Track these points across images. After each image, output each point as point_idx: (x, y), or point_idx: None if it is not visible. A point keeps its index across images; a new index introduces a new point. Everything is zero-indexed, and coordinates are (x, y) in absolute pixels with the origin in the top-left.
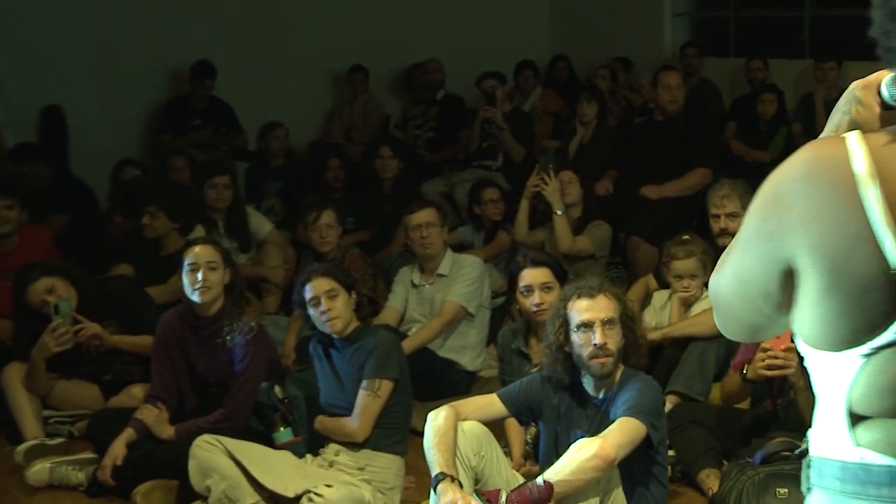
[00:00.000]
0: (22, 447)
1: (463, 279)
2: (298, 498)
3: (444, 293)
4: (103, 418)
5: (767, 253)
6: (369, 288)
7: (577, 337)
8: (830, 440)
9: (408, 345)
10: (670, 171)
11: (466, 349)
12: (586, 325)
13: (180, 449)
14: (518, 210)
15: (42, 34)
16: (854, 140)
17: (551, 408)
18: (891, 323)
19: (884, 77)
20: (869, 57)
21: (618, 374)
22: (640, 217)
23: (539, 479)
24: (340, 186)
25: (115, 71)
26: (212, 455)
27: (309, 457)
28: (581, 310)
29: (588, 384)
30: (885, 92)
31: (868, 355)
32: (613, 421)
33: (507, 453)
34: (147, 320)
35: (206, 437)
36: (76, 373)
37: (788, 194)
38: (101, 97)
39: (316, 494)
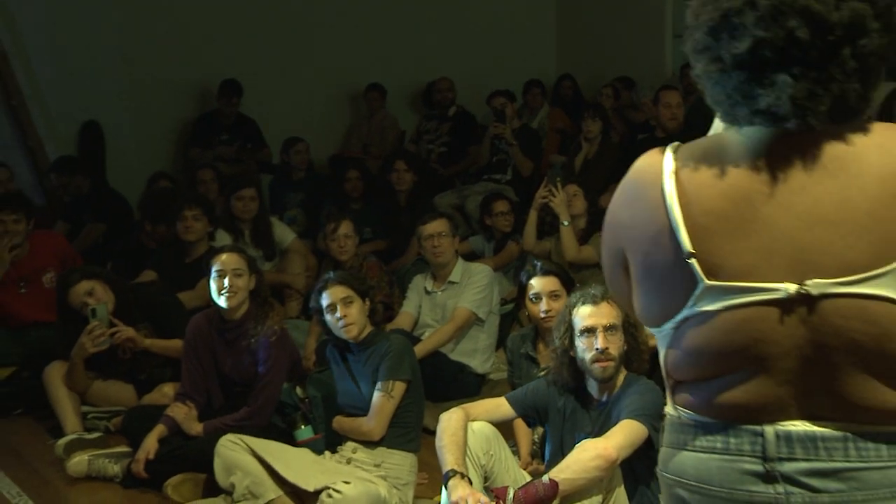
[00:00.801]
0: (62, 441)
1: (473, 286)
2: (318, 493)
3: (455, 299)
4: (137, 415)
5: (610, 249)
6: (385, 294)
7: (580, 342)
8: (668, 403)
9: (421, 348)
10: None
11: (477, 353)
12: (589, 331)
13: (208, 445)
14: (527, 221)
15: (80, 54)
16: (669, 153)
17: (557, 410)
18: (688, 300)
19: None
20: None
21: (620, 378)
22: None
23: (545, 478)
24: (359, 196)
25: (148, 89)
26: (235, 454)
27: (328, 454)
28: (585, 316)
29: (592, 388)
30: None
31: (675, 328)
32: (616, 423)
33: (516, 452)
34: (178, 324)
35: (230, 436)
36: (112, 372)
37: (618, 199)
38: (135, 114)
39: (335, 490)
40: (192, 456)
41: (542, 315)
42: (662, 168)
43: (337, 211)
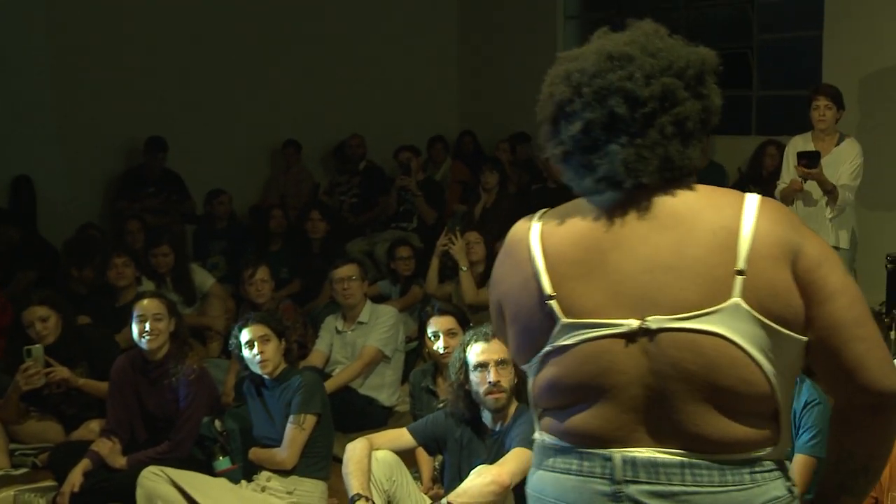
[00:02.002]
0: None
1: (380, 326)
2: None
3: (364, 338)
4: (63, 450)
5: (492, 301)
6: (300, 334)
7: (474, 376)
8: (535, 429)
9: (332, 383)
10: None
11: (384, 387)
12: (482, 366)
13: (131, 477)
14: (429, 266)
15: (10, 111)
16: (538, 215)
17: (454, 439)
18: (549, 337)
19: None
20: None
21: (512, 409)
22: None
23: (444, 501)
24: (280, 233)
25: (77, 144)
26: (157, 484)
27: (244, 483)
28: (478, 352)
29: (486, 418)
30: None
31: (539, 362)
32: (508, 450)
33: (418, 478)
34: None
35: (151, 468)
36: (43, 406)
37: (497, 260)
38: (64, 168)
39: None
40: (116, 488)
41: (441, 351)
42: (530, 230)
43: (254, 258)
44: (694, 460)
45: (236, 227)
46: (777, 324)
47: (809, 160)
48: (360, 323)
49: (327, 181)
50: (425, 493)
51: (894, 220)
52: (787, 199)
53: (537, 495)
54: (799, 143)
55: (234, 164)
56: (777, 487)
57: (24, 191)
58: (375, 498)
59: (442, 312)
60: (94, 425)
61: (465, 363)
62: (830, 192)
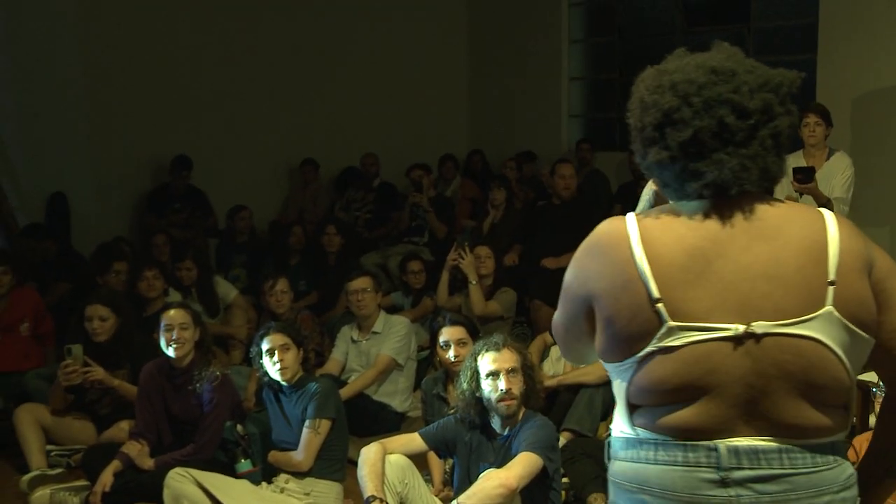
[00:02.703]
0: (27, 476)
1: (394, 336)
2: None
3: (378, 347)
4: (95, 452)
5: (577, 297)
6: (317, 343)
7: (486, 384)
8: (620, 425)
9: (348, 391)
10: (566, 246)
11: (397, 394)
12: (494, 374)
13: (158, 478)
14: (440, 279)
15: (48, 133)
16: (631, 217)
17: (464, 444)
18: (653, 338)
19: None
20: None
21: (520, 415)
22: (541, 284)
23: (454, 503)
24: (300, 249)
25: (108, 163)
26: (182, 485)
27: (264, 484)
28: (489, 361)
29: (495, 423)
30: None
31: (638, 362)
32: (516, 455)
33: (429, 481)
34: None
35: (177, 469)
36: (80, 406)
37: (586, 257)
38: (96, 185)
39: None
40: (145, 488)
41: (452, 360)
42: (628, 233)
43: (274, 270)
44: (789, 446)
45: (257, 241)
46: (860, 328)
47: (805, 175)
48: (375, 333)
49: (343, 198)
50: (436, 496)
51: (886, 235)
52: None
53: (639, 486)
54: (791, 161)
55: (254, 181)
56: (849, 466)
57: (58, 206)
58: (389, 499)
59: (453, 323)
60: (125, 425)
61: (476, 371)
62: (825, 205)
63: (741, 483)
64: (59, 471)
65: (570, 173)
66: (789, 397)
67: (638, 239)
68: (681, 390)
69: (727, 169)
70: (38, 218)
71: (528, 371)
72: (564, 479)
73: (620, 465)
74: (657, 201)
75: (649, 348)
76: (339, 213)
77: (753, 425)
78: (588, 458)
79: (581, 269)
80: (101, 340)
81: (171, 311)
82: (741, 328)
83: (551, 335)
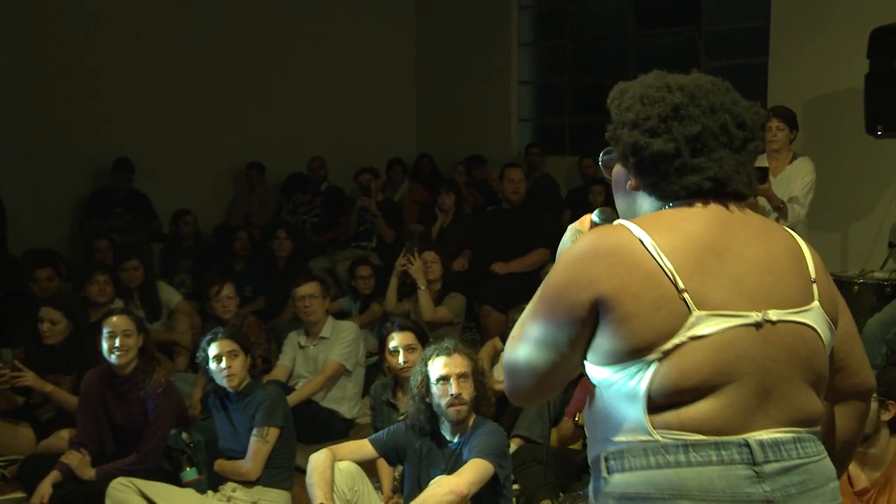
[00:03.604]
0: None
1: (342, 342)
2: None
3: (325, 353)
4: (32, 462)
5: (575, 304)
6: (263, 349)
7: (436, 389)
8: (631, 433)
9: (295, 397)
10: (515, 251)
11: (345, 400)
12: (444, 379)
13: (100, 488)
14: (389, 285)
15: None
16: (625, 221)
17: (414, 450)
18: (679, 328)
19: (588, 216)
20: None
21: (470, 421)
22: (490, 289)
23: None
24: (245, 255)
25: (46, 166)
26: (125, 495)
27: (210, 493)
28: (440, 366)
29: (445, 430)
30: (595, 218)
31: (663, 356)
32: (466, 461)
33: (379, 488)
34: None
35: (120, 479)
36: (18, 412)
37: (583, 263)
38: (33, 188)
39: None
40: (86, 499)
41: (400, 366)
42: (633, 233)
43: (220, 275)
44: (799, 435)
45: (202, 245)
46: (834, 325)
47: (758, 175)
48: (322, 338)
49: (290, 202)
50: (385, 503)
51: (837, 240)
52: None
53: (674, 492)
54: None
55: (199, 184)
56: None
57: None
58: None
59: (402, 328)
60: (65, 434)
61: (426, 376)
62: (780, 208)
63: (772, 477)
64: None
65: (519, 178)
66: (799, 382)
67: (647, 236)
68: (709, 380)
69: (729, 166)
70: None
71: (478, 377)
72: (515, 486)
73: (643, 475)
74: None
75: (678, 339)
76: (286, 217)
77: (770, 415)
78: (539, 464)
79: (578, 274)
80: (52, 343)
81: (114, 318)
82: (758, 316)
83: (501, 340)
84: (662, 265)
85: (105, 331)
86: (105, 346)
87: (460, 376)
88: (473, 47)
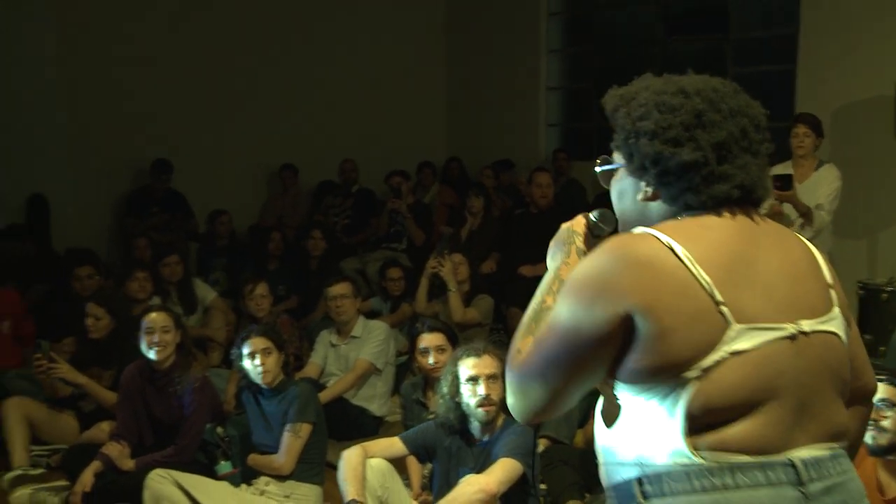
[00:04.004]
0: (8, 475)
1: (372, 341)
2: None
3: (356, 352)
4: (75, 452)
5: (602, 318)
6: (296, 347)
7: (466, 389)
8: (669, 455)
9: (326, 394)
10: (543, 254)
11: (375, 398)
12: (474, 380)
13: (139, 479)
14: (419, 286)
15: (29, 134)
16: (650, 229)
17: (444, 449)
18: (717, 343)
19: (583, 217)
20: None
21: (499, 421)
22: (517, 291)
23: None
24: (278, 255)
25: (88, 165)
26: (163, 486)
27: (244, 486)
28: (469, 367)
29: (475, 429)
30: (593, 217)
31: (702, 373)
32: (495, 460)
33: (408, 485)
34: None
35: (158, 470)
36: (64, 402)
37: (610, 273)
38: (77, 187)
39: None
40: (125, 489)
41: (430, 366)
42: (663, 241)
43: (254, 274)
44: (834, 451)
45: (236, 245)
46: (850, 330)
47: (783, 182)
48: (353, 337)
49: (322, 203)
50: (415, 500)
51: (864, 247)
52: None
53: None
54: (779, 170)
55: (234, 185)
56: None
57: (39, 208)
58: (369, 503)
59: (432, 329)
60: (105, 426)
61: (456, 377)
62: (805, 214)
63: (817, 497)
64: (39, 471)
65: (546, 182)
66: (831, 393)
67: (678, 245)
68: (752, 397)
69: (754, 172)
70: (18, 219)
71: None
72: (542, 486)
73: (687, 500)
74: (580, 243)
75: (717, 355)
76: (318, 219)
77: (807, 431)
78: (565, 464)
79: (608, 286)
80: (96, 338)
81: (153, 314)
82: (793, 328)
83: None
84: (698, 276)
85: (144, 327)
86: (144, 341)
87: (490, 377)
88: (503, 54)
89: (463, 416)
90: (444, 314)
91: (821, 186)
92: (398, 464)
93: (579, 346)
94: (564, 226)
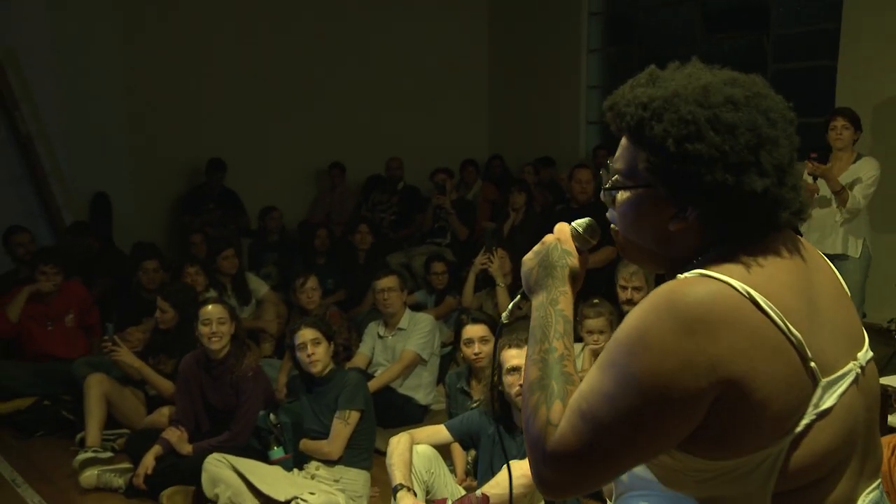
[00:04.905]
0: (80, 457)
1: (418, 332)
2: (288, 502)
3: (403, 343)
4: (138, 437)
5: (688, 393)
6: (344, 338)
7: (508, 379)
8: None
9: (374, 384)
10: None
11: (420, 387)
12: (516, 369)
13: (196, 462)
14: (466, 281)
15: (92, 137)
16: (719, 276)
17: (488, 436)
18: (807, 404)
19: (567, 228)
20: None
21: None
22: None
23: (478, 492)
24: (325, 251)
25: (147, 166)
26: (219, 469)
27: (295, 470)
28: (511, 357)
29: (517, 417)
30: (579, 229)
31: (791, 444)
32: None
33: (453, 471)
34: None
35: (215, 455)
36: (138, 383)
37: (699, 336)
38: (137, 186)
39: (302, 499)
40: (183, 471)
41: (474, 356)
42: (742, 292)
43: (303, 268)
44: (881, 488)
45: (287, 240)
46: None
47: (819, 155)
48: (400, 329)
49: (369, 200)
50: (459, 485)
51: None
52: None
53: None
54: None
55: (285, 183)
56: None
57: (101, 206)
58: (416, 488)
59: (476, 321)
60: (166, 410)
61: (499, 366)
62: (839, 193)
63: None
64: (108, 454)
65: (587, 178)
66: (876, 425)
67: (755, 292)
68: (837, 456)
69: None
70: (83, 216)
71: None
72: None
73: None
74: (574, 263)
75: (807, 419)
76: (364, 214)
77: (866, 473)
78: None
79: (693, 355)
80: (165, 328)
81: (210, 306)
82: (857, 366)
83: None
84: (787, 333)
85: (201, 318)
86: (201, 332)
87: None
88: (544, 53)
89: (505, 404)
90: (487, 306)
91: (859, 176)
92: (443, 450)
93: (655, 422)
94: (550, 241)
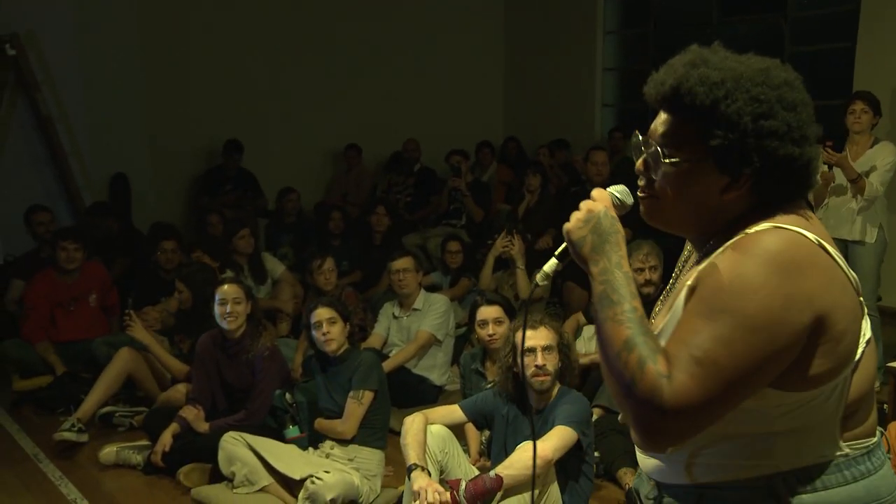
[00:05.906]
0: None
1: (433, 313)
2: (303, 480)
3: (418, 324)
4: (156, 414)
5: (797, 325)
6: (360, 318)
7: (525, 360)
8: (816, 453)
9: (389, 364)
10: None
11: (435, 368)
12: (530, 350)
13: (213, 440)
14: (484, 264)
15: (111, 119)
16: (788, 226)
17: (501, 416)
18: (860, 335)
19: (605, 194)
20: None
21: (555, 391)
22: (573, 266)
23: (492, 473)
24: (339, 234)
25: (165, 147)
26: (235, 448)
27: (311, 449)
28: (526, 338)
29: (531, 398)
30: (617, 195)
31: (853, 371)
32: (551, 428)
33: (467, 451)
34: None
35: (231, 433)
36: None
37: (794, 277)
38: (155, 167)
39: (317, 478)
40: (200, 449)
41: (488, 337)
42: (814, 242)
43: (319, 250)
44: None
45: (303, 221)
46: None
47: (835, 144)
48: (415, 310)
49: (385, 181)
50: (473, 465)
51: None
52: (820, 196)
53: (871, 501)
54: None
55: (301, 165)
56: None
57: (120, 186)
58: (430, 467)
59: (490, 302)
60: (182, 387)
61: (514, 347)
62: (855, 181)
63: None
64: (123, 431)
65: (602, 160)
66: None
67: (820, 240)
68: (873, 379)
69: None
70: (102, 197)
71: (564, 349)
72: (596, 453)
73: (843, 492)
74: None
75: (861, 347)
76: (381, 195)
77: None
78: (618, 433)
79: (794, 292)
80: (183, 309)
81: (226, 287)
82: (862, 302)
83: (584, 315)
84: (847, 273)
85: (217, 298)
86: (217, 312)
87: (545, 348)
88: (560, 35)
89: (520, 385)
90: (505, 289)
91: (876, 161)
92: (457, 430)
93: (769, 361)
94: (598, 209)
